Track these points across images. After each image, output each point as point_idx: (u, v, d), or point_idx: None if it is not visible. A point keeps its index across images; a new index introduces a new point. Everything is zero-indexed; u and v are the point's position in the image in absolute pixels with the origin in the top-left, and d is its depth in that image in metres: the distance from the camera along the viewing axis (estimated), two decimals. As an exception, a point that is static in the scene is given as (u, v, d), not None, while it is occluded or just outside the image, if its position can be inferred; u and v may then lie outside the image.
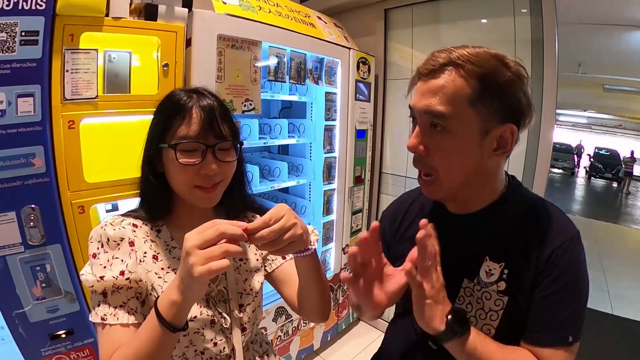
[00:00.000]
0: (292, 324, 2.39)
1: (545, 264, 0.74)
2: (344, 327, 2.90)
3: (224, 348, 0.87)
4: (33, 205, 1.27)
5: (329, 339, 2.76)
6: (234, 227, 0.63)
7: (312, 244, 0.81)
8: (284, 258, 1.00)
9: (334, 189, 2.65)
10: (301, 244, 0.73)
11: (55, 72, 1.28)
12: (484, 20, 2.41)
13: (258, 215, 1.02)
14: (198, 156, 0.80)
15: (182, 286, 0.64)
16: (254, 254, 0.99)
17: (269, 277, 1.02)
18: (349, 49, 2.52)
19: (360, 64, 2.62)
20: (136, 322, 0.77)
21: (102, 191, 1.44)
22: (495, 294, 0.78)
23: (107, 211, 1.62)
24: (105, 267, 0.77)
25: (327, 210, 2.65)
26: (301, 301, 0.93)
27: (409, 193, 1.08)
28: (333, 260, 2.73)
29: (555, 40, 1.95)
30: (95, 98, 1.39)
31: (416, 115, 0.78)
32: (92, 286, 0.76)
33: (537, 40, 2.07)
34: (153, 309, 0.68)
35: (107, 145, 1.54)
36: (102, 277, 0.75)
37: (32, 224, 1.27)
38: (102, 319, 0.75)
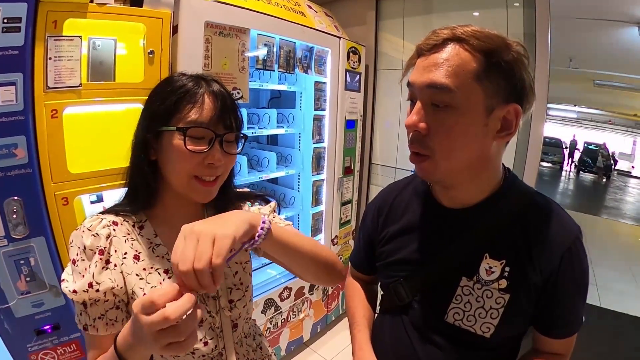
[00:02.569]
0: (281, 315, 2.41)
1: (559, 269, 0.75)
2: (333, 318, 2.94)
3: (216, 347, 0.86)
4: (16, 197, 1.26)
5: (318, 330, 2.80)
6: (179, 307, 0.54)
7: (261, 226, 0.71)
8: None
9: (323, 180, 2.67)
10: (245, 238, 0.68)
11: (37, 59, 1.26)
12: (475, 13, 2.43)
13: (248, 203, 1.00)
14: (205, 144, 0.77)
15: (133, 337, 0.60)
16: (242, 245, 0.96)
17: (267, 255, 0.98)
18: (339, 38, 2.52)
19: (351, 54, 2.62)
20: (117, 331, 0.72)
21: (86, 182, 1.43)
22: (497, 291, 0.77)
23: (92, 202, 1.61)
24: (83, 275, 0.75)
25: (316, 201, 2.66)
26: (298, 273, 0.91)
27: (395, 184, 1.05)
28: (322, 251, 2.74)
29: (547, 33, 1.97)
30: (78, 86, 1.37)
31: (416, 93, 0.73)
32: (72, 298, 0.75)
33: (529, 34, 2.09)
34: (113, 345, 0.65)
35: (91, 135, 1.52)
36: (75, 292, 0.74)
37: (15, 216, 1.26)
38: (84, 328, 0.76)
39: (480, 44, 0.68)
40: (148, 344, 0.56)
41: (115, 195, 1.56)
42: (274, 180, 2.83)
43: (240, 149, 0.86)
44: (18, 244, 1.28)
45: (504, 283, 0.77)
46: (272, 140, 2.94)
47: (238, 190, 1.02)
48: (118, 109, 1.56)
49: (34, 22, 1.23)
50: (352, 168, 2.83)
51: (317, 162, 2.59)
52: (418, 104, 0.72)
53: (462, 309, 0.80)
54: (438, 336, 0.84)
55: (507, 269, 0.77)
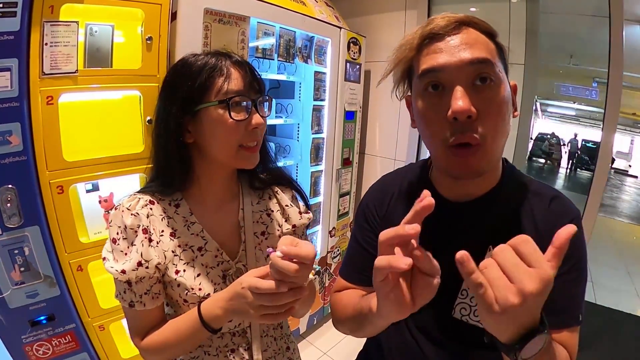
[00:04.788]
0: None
1: None
2: (330, 310, 2.93)
3: (240, 324, 0.91)
4: (10, 185, 1.24)
5: (315, 322, 2.82)
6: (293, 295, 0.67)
7: None
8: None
9: (322, 171, 2.66)
10: None
11: (33, 45, 1.23)
12: (472, 9, 2.41)
13: (280, 192, 1.01)
14: (244, 111, 0.82)
15: (230, 311, 0.75)
16: (276, 229, 0.98)
17: None
18: (340, 28, 2.50)
19: (351, 44, 2.60)
20: (161, 302, 0.85)
21: (81, 170, 1.42)
22: None
23: (88, 191, 1.59)
24: (126, 254, 0.80)
25: (314, 192, 2.66)
26: None
27: (392, 175, 1.01)
28: (320, 243, 2.76)
29: (622, 39, 1.91)
30: (74, 72, 1.34)
31: (451, 75, 0.68)
32: (117, 277, 0.79)
33: (531, 30, 2.08)
34: (196, 310, 0.79)
35: (87, 122, 1.51)
36: (124, 272, 0.78)
37: (9, 205, 1.24)
38: (130, 305, 0.81)
39: (485, 27, 0.71)
40: (247, 313, 0.71)
41: (111, 183, 1.57)
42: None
43: (269, 112, 0.89)
44: (12, 233, 1.26)
45: None
46: (271, 130, 2.92)
47: (279, 172, 1.04)
48: (115, 96, 1.55)
49: (30, 7, 1.20)
50: (350, 160, 2.83)
51: (316, 153, 2.59)
52: (459, 88, 0.66)
53: (468, 303, 0.79)
54: (445, 336, 0.82)
55: None
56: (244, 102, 0.81)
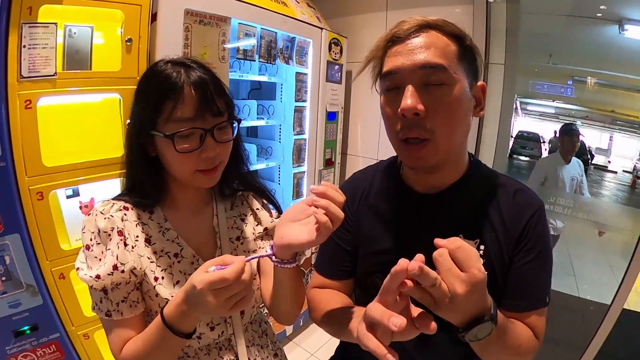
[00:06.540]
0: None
1: (522, 234, 0.81)
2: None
3: (223, 332, 0.89)
4: (-12, 193, 1.23)
5: (301, 324, 2.84)
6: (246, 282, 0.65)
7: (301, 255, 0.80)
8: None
9: (304, 172, 2.69)
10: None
11: (11, 47, 1.23)
12: (457, 10, 2.47)
13: (254, 199, 1.02)
14: (196, 139, 0.78)
15: (196, 313, 0.69)
16: (251, 233, 0.98)
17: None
18: (321, 29, 2.53)
19: (333, 45, 2.63)
20: (140, 311, 0.82)
21: (61, 175, 1.41)
22: None
23: (68, 197, 1.58)
24: (100, 259, 0.78)
25: (297, 194, 2.69)
26: (272, 301, 0.90)
27: (363, 172, 1.07)
28: (304, 244, 2.76)
29: None
30: (53, 75, 1.34)
31: (405, 77, 0.74)
32: (92, 285, 0.77)
33: (511, 29, 2.14)
34: (159, 317, 0.73)
35: (67, 126, 1.51)
36: (98, 277, 0.76)
37: (-13, 212, 1.23)
38: (107, 315, 0.78)
39: (452, 29, 0.76)
40: (208, 306, 0.63)
41: (92, 188, 1.56)
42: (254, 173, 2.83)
43: (234, 134, 0.87)
44: (-8, 242, 1.25)
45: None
46: (252, 132, 2.93)
47: (253, 182, 1.03)
48: (94, 99, 1.55)
49: (8, 8, 1.20)
50: (333, 160, 2.86)
51: (298, 154, 2.62)
52: (410, 88, 0.73)
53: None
54: None
55: (481, 247, 0.81)
56: (195, 132, 0.78)
